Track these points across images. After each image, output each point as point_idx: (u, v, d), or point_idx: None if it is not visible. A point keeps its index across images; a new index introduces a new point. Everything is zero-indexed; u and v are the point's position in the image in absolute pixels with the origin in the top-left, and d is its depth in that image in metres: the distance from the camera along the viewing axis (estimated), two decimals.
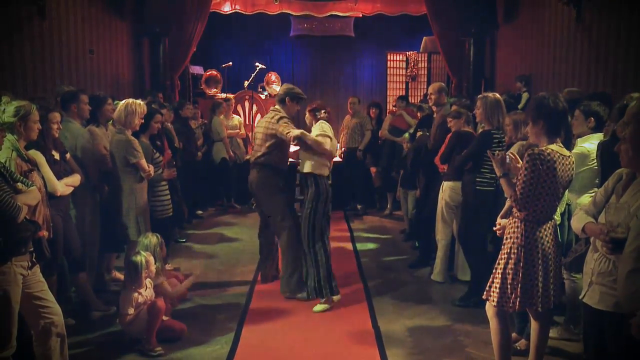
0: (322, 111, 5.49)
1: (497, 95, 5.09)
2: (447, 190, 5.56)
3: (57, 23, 7.25)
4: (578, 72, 7.33)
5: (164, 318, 4.40)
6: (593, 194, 3.65)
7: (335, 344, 4.44)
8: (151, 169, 5.30)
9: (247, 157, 9.54)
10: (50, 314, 3.41)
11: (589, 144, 4.37)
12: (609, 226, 2.84)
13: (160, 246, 4.82)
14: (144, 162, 5.16)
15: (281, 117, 5.21)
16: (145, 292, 4.44)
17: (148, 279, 4.51)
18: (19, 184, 3.31)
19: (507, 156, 3.60)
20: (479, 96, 5.25)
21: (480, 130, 5.45)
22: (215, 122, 9.05)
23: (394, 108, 8.91)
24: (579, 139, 4.48)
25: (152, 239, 4.79)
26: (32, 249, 3.30)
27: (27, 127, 3.76)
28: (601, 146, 4.18)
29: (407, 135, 7.44)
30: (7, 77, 6.04)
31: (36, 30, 6.72)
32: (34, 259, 3.32)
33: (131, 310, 4.31)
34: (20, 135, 3.75)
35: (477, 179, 5.04)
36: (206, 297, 5.43)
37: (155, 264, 4.67)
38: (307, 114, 5.54)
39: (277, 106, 5.36)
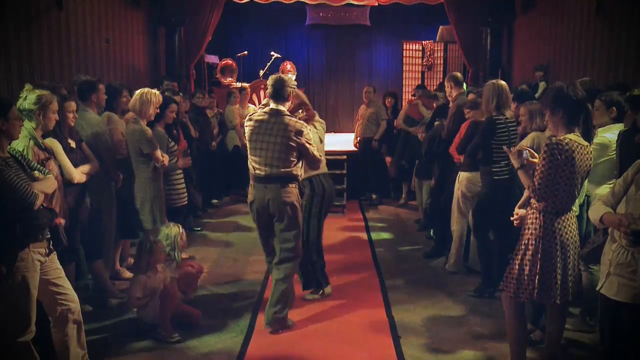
0: (300, 111, 4.72)
1: (500, 82, 5.05)
2: (463, 180, 5.53)
3: (74, 13, 7.28)
4: (597, 62, 7.23)
5: (180, 304, 4.45)
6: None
7: (349, 333, 4.45)
8: (165, 158, 5.30)
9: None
10: (67, 301, 3.46)
11: (611, 134, 4.31)
12: (630, 218, 2.81)
13: (180, 237, 4.85)
14: (158, 152, 5.17)
15: (304, 127, 4.39)
16: (154, 277, 4.48)
17: (158, 264, 4.55)
18: (36, 172, 3.35)
19: (525, 151, 3.56)
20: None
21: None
22: (227, 110, 9.09)
23: (413, 98, 8.86)
24: (599, 129, 4.42)
25: (173, 229, 4.83)
26: (49, 236, 3.34)
27: (46, 117, 3.82)
28: (621, 136, 4.12)
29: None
30: (25, 68, 6.09)
31: (53, 21, 6.76)
32: (51, 246, 3.37)
33: (138, 294, 4.35)
34: (39, 124, 3.79)
35: (494, 169, 4.99)
36: (221, 285, 5.46)
37: (174, 253, 4.72)
38: None
39: (279, 105, 4.41)
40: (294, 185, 4.42)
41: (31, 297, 3.20)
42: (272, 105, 4.42)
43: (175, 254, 4.78)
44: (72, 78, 6.45)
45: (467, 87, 6.97)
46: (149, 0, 9.98)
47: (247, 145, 4.52)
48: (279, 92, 4.39)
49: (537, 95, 7.82)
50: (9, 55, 5.81)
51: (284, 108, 4.43)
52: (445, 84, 6.25)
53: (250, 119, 4.51)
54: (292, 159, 4.36)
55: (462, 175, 5.55)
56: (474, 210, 5.27)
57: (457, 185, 5.63)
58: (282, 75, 4.53)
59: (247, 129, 4.51)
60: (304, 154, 4.41)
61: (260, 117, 4.43)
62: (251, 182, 4.50)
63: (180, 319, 4.43)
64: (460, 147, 5.50)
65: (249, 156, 4.51)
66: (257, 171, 4.41)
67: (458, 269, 5.78)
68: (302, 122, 4.43)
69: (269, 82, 4.46)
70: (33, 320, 3.24)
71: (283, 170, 4.34)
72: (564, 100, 3.33)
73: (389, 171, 9.05)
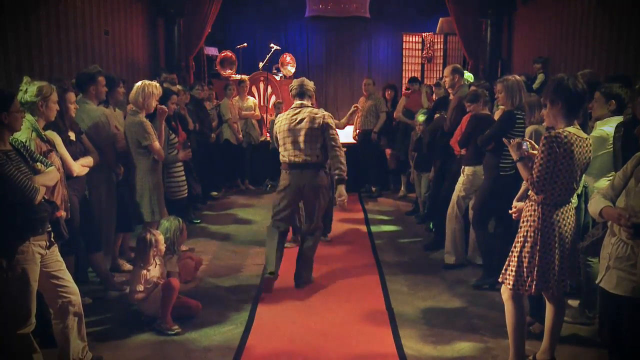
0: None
1: (517, 76, 5.04)
2: (468, 175, 5.51)
3: (73, 5, 7.25)
4: (598, 54, 7.21)
5: (179, 296, 4.45)
6: (611, 178, 3.61)
7: (349, 325, 4.46)
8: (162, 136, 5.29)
9: (262, 138, 9.54)
10: (68, 293, 3.46)
11: (609, 127, 4.28)
12: (631, 211, 2.81)
13: (180, 231, 4.85)
14: (156, 144, 5.16)
15: (329, 116, 5.04)
16: (154, 270, 4.49)
17: (157, 257, 4.56)
18: (38, 163, 3.34)
19: (525, 142, 3.55)
20: (498, 80, 5.20)
21: (496, 112, 5.41)
22: (222, 103, 9.06)
23: (407, 91, 8.86)
24: (598, 122, 4.40)
25: (174, 222, 4.84)
26: (50, 228, 3.34)
27: (48, 108, 3.83)
28: (622, 128, 4.10)
29: (420, 117, 7.38)
30: (23, 59, 6.07)
31: (52, 12, 6.73)
32: (52, 239, 3.37)
33: (140, 287, 4.36)
34: (41, 116, 3.80)
35: (501, 164, 4.96)
36: (221, 277, 5.47)
37: (174, 247, 4.72)
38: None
39: (304, 101, 5.11)
40: (325, 170, 5.10)
41: (31, 290, 3.21)
42: (298, 101, 5.13)
43: (175, 247, 4.79)
44: (81, 70, 6.42)
45: (472, 79, 6.96)
46: None
47: (279, 137, 5.10)
48: (303, 91, 5.13)
49: (534, 86, 7.82)
50: (7, 47, 5.79)
51: (307, 103, 5.12)
52: (450, 76, 6.18)
53: (280, 116, 5.19)
54: (319, 145, 4.99)
55: (468, 170, 5.53)
56: (475, 203, 5.26)
57: (461, 179, 5.59)
58: (304, 78, 5.25)
59: (277, 124, 5.13)
60: (328, 138, 4.98)
61: (290, 112, 5.11)
62: (285, 169, 5.10)
63: (180, 311, 4.43)
64: (462, 140, 5.48)
65: (281, 147, 5.09)
66: (293, 158, 5.02)
67: (458, 261, 5.76)
68: (323, 110, 5.09)
69: (293, 84, 5.19)
70: (33, 312, 3.24)
71: (314, 157, 4.99)
72: (564, 91, 3.31)
73: (388, 163, 9.06)
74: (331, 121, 5.02)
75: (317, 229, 5.27)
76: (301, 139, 4.98)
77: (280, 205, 5.17)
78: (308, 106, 5.10)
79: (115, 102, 5.64)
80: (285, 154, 5.06)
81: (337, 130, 5.12)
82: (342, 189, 5.00)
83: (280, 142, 5.10)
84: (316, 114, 5.01)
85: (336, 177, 5.01)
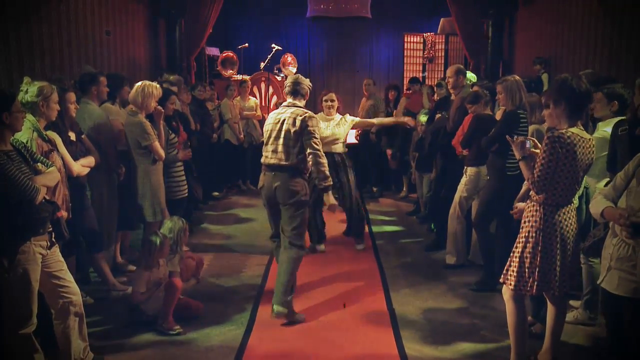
0: (324, 99, 6.37)
1: (516, 76, 5.03)
2: (470, 175, 5.50)
3: (74, 5, 7.26)
4: (599, 54, 7.20)
5: (180, 296, 4.45)
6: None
7: (350, 325, 4.46)
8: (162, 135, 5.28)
9: (263, 139, 9.54)
10: (69, 293, 3.47)
11: (611, 128, 4.28)
12: (630, 211, 2.81)
13: (183, 232, 4.85)
14: (156, 144, 5.15)
15: (310, 117, 4.59)
16: (157, 270, 4.49)
17: (161, 259, 4.56)
18: (38, 164, 3.35)
19: (528, 141, 3.54)
20: (498, 81, 5.19)
21: (498, 112, 5.39)
22: (222, 104, 9.06)
23: (408, 92, 8.85)
24: (600, 124, 4.39)
25: (178, 223, 4.83)
26: (50, 229, 3.34)
27: (49, 107, 3.84)
28: (627, 126, 4.07)
29: (422, 118, 7.37)
30: (24, 59, 6.07)
31: (53, 12, 6.73)
32: (53, 239, 3.37)
33: (143, 289, 4.36)
34: (42, 116, 3.80)
35: (507, 164, 4.92)
36: (222, 277, 5.47)
37: (177, 247, 4.72)
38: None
39: (295, 100, 4.73)
40: (301, 175, 4.66)
41: (32, 290, 3.21)
42: (289, 99, 4.78)
43: (177, 247, 4.79)
44: (82, 69, 6.44)
45: (475, 79, 6.95)
46: None
47: (264, 135, 4.84)
48: (296, 89, 4.75)
49: (544, 89, 7.79)
50: (8, 47, 5.79)
51: (298, 103, 4.74)
52: (454, 77, 6.16)
53: (271, 114, 4.87)
54: (298, 149, 4.59)
55: (471, 170, 5.51)
56: (479, 203, 5.24)
57: (464, 179, 5.58)
58: (299, 75, 4.90)
59: (266, 123, 4.85)
60: (306, 142, 4.57)
61: (278, 111, 4.80)
62: (263, 170, 4.77)
63: (182, 311, 4.44)
64: (464, 141, 5.46)
65: (264, 146, 4.79)
66: (269, 160, 4.69)
67: (459, 262, 5.76)
68: (309, 112, 4.68)
69: (287, 81, 4.84)
70: (34, 312, 3.25)
71: (291, 160, 4.59)
72: (567, 92, 3.30)
73: (389, 164, 9.05)
74: (313, 123, 4.58)
75: (294, 245, 4.57)
76: (280, 140, 4.62)
77: (267, 214, 4.88)
78: (297, 106, 4.71)
79: (121, 101, 5.66)
80: (264, 154, 4.76)
81: (319, 135, 4.66)
82: (327, 197, 4.65)
83: (264, 141, 4.81)
84: (298, 114, 4.60)
85: (320, 187, 4.64)
